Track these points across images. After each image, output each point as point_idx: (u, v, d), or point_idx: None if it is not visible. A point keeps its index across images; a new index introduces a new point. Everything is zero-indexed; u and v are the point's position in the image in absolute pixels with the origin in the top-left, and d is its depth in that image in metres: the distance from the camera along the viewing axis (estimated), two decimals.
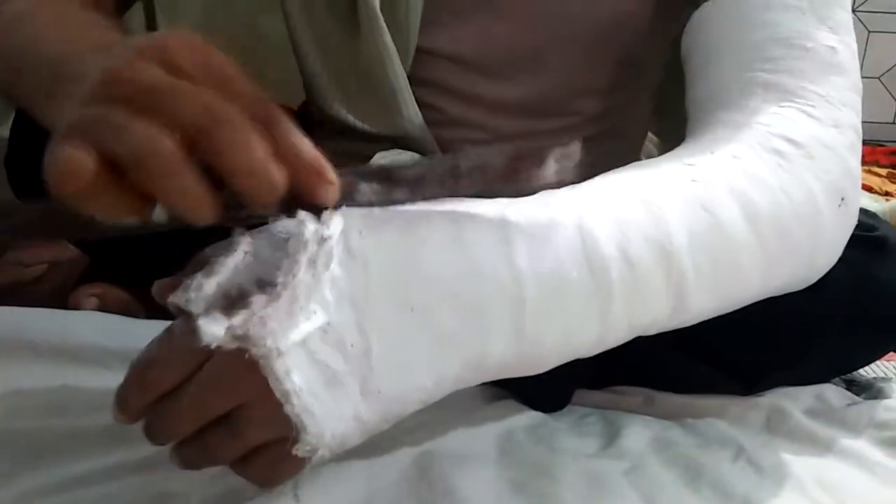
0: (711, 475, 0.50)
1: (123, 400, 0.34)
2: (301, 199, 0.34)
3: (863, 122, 0.51)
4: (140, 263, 0.60)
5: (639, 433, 0.55)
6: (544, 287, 0.38)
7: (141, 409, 0.34)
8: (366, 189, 0.36)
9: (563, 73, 0.60)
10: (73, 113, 0.32)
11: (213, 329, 0.32)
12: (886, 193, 1.48)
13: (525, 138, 0.61)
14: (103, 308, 0.67)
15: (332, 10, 0.57)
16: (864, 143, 0.53)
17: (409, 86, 0.57)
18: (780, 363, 0.60)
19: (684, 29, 0.55)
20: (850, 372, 0.67)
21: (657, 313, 0.42)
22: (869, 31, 1.86)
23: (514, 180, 0.38)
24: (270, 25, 0.57)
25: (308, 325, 0.33)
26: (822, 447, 0.55)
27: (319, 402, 0.34)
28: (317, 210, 0.35)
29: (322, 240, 0.34)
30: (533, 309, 0.38)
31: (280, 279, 0.33)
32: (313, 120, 0.66)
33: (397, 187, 0.37)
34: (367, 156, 0.59)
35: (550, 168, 0.37)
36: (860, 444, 0.55)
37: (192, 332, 0.33)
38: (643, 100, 0.67)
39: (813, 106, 0.48)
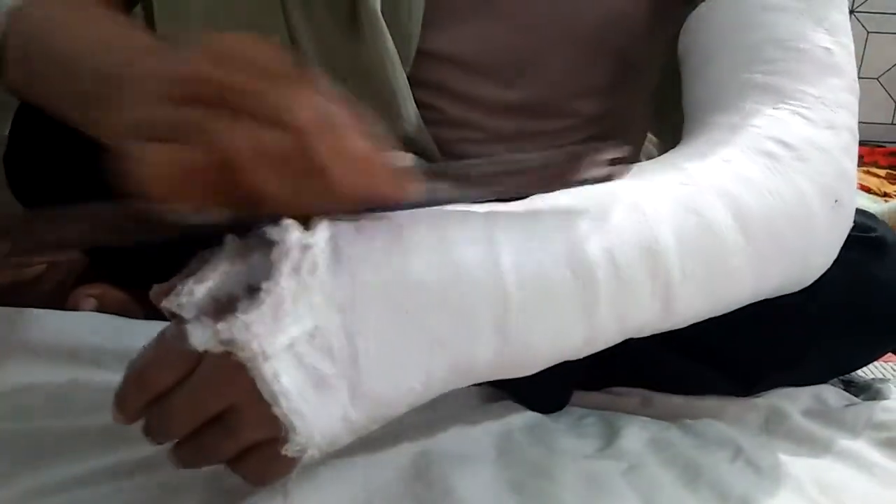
0: (710, 476, 0.50)
1: (122, 401, 0.35)
2: (376, 199, 0.35)
3: (861, 123, 0.51)
4: (138, 264, 0.60)
5: (637, 434, 0.55)
6: (530, 290, 0.38)
7: (139, 409, 0.35)
8: (439, 187, 0.38)
9: (561, 75, 0.60)
10: (145, 113, 0.32)
11: (201, 333, 0.33)
12: (885, 194, 1.49)
13: (523, 138, 0.61)
14: (102, 308, 0.67)
15: (332, 11, 0.57)
16: (863, 143, 0.53)
17: (409, 88, 0.57)
18: (779, 364, 0.60)
19: (681, 30, 0.55)
20: (848, 373, 0.67)
21: (646, 316, 0.42)
22: (868, 32, 1.87)
23: (567, 177, 0.40)
24: (271, 26, 0.57)
25: (295, 329, 0.34)
26: (821, 448, 0.55)
27: (308, 404, 0.35)
28: (390, 209, 0.37)
29: (305, 247, 0.34)
30: (519, 312, 0.38)
31: (264, 285, 0.34)
32: None
33: (467, 184, 0.38)
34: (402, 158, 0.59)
35: (602, 166, 0.39)
36: (858, 445, 0.55)
37: (183, 335, 0.34)
38: (642, 101, 0.68)
39: (807, 108, 0.48)
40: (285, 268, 0.34)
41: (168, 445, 0.37)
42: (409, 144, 0.60)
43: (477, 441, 0.51)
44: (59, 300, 0.73)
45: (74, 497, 0.42)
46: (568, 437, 0.55)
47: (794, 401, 0.60)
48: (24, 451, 0.45)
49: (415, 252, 0.37)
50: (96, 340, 0.56)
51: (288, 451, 0.35)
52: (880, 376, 0.70)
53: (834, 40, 0.50)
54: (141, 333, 0.55)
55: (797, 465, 0.52)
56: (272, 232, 0.34)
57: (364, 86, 0.58)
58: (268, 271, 0.34)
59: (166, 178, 0.31)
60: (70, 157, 0.58)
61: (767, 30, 0.50)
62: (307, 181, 0.32)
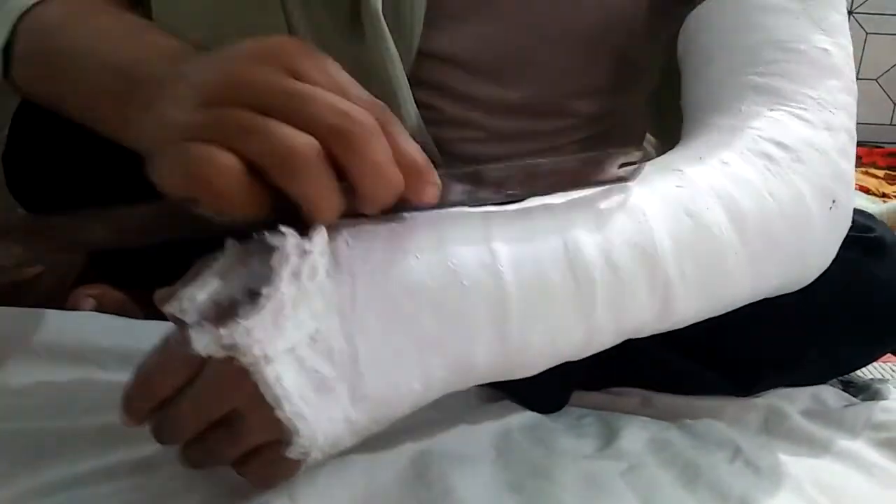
0: (709, 476, 0.50)
1: (129, 405, 0.36)
2: (411, 201, 0.36)
3: (860, 123, 0.51)
4: (138, 265, 0.60)
5: (636, 434, 0.55)
6: (528, 293, 0.38)
7: (145, 412, 0.36)
8: (456, 189, 0.38)
9: (561, 74, 0.60)
10: (188, 115, 0.33)
11: (203, 338, 0.34)
12: (884, 195, 1.49)
13: (523, 138, 0.61)
14: (101, 309, 0.67)
15: (332, 12, 0.57)
16: (861, 144, 0.53)
17: (409, 88, 0.57)
18: (778, 364, 0.61)
19: (680, 30, 0.55)
20: (847, 373, 0.67)
21: (644, 316, 0.42)
22: (867, 33, 1.87)
23: (584, 181, 0.41)
24: (271, 26, 0.57)
25: (296, 333, 0.34)
26: (820, 448, 0.55)
27: (310, 407, 0.35)
28: (415, 209, 0.37)
29: (304, 252, 0.35)
30: (517, 315, 0.38)
31: (264, 290, 0.34)
32: None
33: (482, 187, 0.39)
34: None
35: (615, 170, 0.41)
36: (857, 446, 0.55)
37: (186, 340, 0.34)
38: (641, 101, 0.68)
39: (805, 109, 0.48)
40: (285, 273, 0.34)
41: (172, 446, 0.37)
42: None
43: (476, 441, 0.51)
44: (59, 300, 0.73)
45: (74, 497, 0.42)
46: (567, 437, 0.55)
47: (793, 401, 0.60)
48: (24, 451, 0.45)
49: (413, 255, 0.37)
50: (96, 340, 0.56)
51: (291, 453, 0.35)
52: (879, 377, 0.70)
53: (832, 41, 0.50)
54: (140, 333, 0.55)
55: (796, 465, 0.52)
56: (272, 237, 0.34)
57: (364, 86, 0.58)
58: (268, 276, 0.34)
59: (209, 179, 0.31)
60: (69, 156, 0.58)
61: (766, 31, 0.50)
62: (342, 184, 0.33)
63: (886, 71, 1.92)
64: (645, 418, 0.58)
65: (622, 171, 0.41)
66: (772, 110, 0.48)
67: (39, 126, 0.59)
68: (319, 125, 0.32)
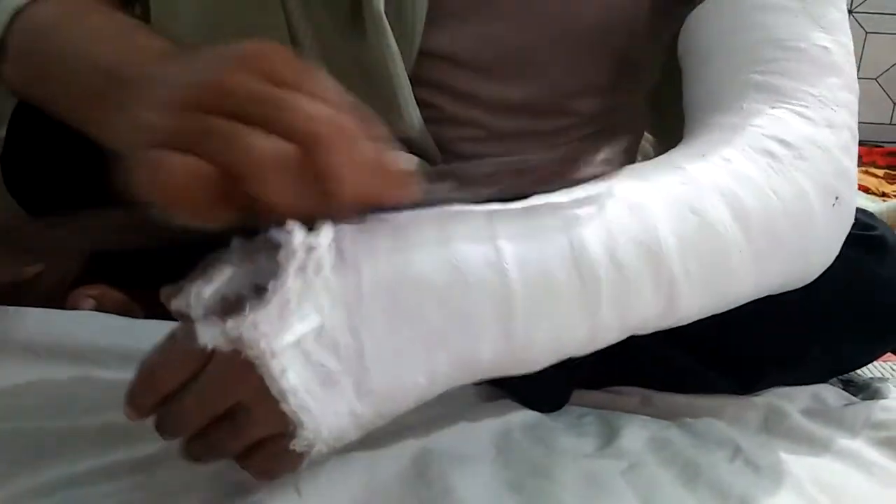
0: (709, 475, 0.50)
1: (133, 399, 0.36)
2: (377, 203, 0.35)
3: (860, 123, 0.51)
4: (138, 265, 0.60)
5: (636, 433, 0.55)
6: (532, 289, 0.39)
7: (150, 406, 0.36)
8: (443, 188, 0.39)
9: (560, 74, 0.60)
10: (160, 119, 0.32)
11: (209, 332, 0.34)
12: (883, 194, 1.49)
13: (523, 137, 0.61)
14: (101, 309, 0.67)
15: (333, 11, 0.57)
16: (862, 144, 0.53)
17: (410, 87, 0.57)
18: (779, 362, 0.61)
19: (681, 30, 0.55)
20: (848, 372, 0.67)
21: (647, 314, 0.42)
22: (866, 32, 1.87)
23: (569, 178, 0.41)
24: (271, 25, 0.57)
25: (301, 327, 0.35)
26: (820, 447, 0.55)
27: (315, 400, 0.35)
28: (392, 210, 0.37)
29: (310, 248, 0.35)
30: (521, 311, 0.39)
31: (271, 285, 0.34)
32: None
33: (470, 185, 0.39)
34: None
35: (595, 167, 0.41)
36: (857, 445, 0.55)
37: (191, 334, 0.34)
38: (640, 100, 0.68)
39: (806, 107, 0.48)
40: (291, 268, 0.34)
41: (172, 444, 0.37)
42: (409, 143, 0.60)
43: (476, 440, 0.51)
44: (58, 300, 0.73)
45: (73, 496, 0.42)
46: (567, 436, 0.55)
47: (792, 400, 0.60)
48: (24, 451, 0.45)
49: (418, 250, 0.37)
50: (95, 340, 0.56)
51: (296, 446, 0.36)
52: (879, 375, 0.70)
53: (832, 39, 0.50)
54: (140, 333, 0.55)
55: (796, 464, 0.52)
56: (278, 234, 0.35)
57: (365, 85, 0.58)
58: (274, 272, 0.34)
59: (175, 187, 0.31)
60: (67, 158, 0.58)
61: (765, 30, 0.50)
62: (316, 190, 0.32)
63: (886, 70, 1.92)
64: (645, 417, 0.58)
65: (599, 169, 0.41)
66: (773, 108, 0.48)
67: (37, 126, 0.59)
68: (292, 131, 0.32)
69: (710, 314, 0.45)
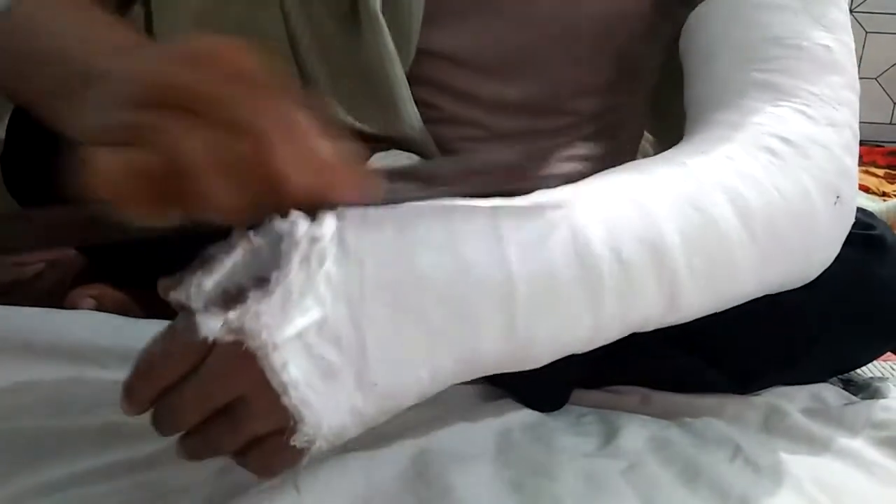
0: (709, 474, 0.50)
1: (130, 392, 0.35)
2: (329, 201, 0.35)
3: (860, 122, 0.51)
4: (137, 264, 0.60)
5: (636, 432, 0.55)
6: (536, 285, 0.38)
7: (147, 401, 0.35)
8: (404, 188, 0.38)
9: (560, 73, 0.60)
10: (109, 115, 0.32)
11: (211, 323, 0.34)
12: (884, 194, 1.49)
13: (523, 136, 0.61)
14: (100, 308, 0.67)
15: (330, 9, 0.57)
16: (862, 143, 0.53)
17: (408, 86, 0.57)
18: (778, 362, 0.60)
19: (681, 29, 0.55)
20: (848, 371, 0.67)
21: (650, 311, 0.42)
22: (866, 32, 1.87)
23: (525, 179, 0.40)
24: (269, 24, 0.57)
25: (303, 319, 0.34)
26: (820, 447, 0.55)
27: (316, 394, 0.35)
28: (340, 208, 0.36)
29: (314, 239, 0.35)
30: (524, 307, 0.38)
31: (274, 276, 0.34)
32: None
33: (433, 184, 0.38)
34: (366, 157, 0.59)
35: (558, 168, 0.39)
36: (857, 444, 0.55)
37: (192, 326, 0.34)
38: (640, 99, 0.68)
39: (808, 105, 0.48)
40: (295, 258, 0.34)
41: (172, 444, 0.37)
42: (409, 142, 0.60)
43: (476, 439, 0.51)
44: (58, 299, 0.73)
45: (72, 496, 0.42)
46: (567, 435, 0.55)
47: (792, 399, 0.60)
48: (23, 450, 0.45)
49: (421, 245, 0.37)
50: (95, 340, 0.56)
51: (296, 441, 0.35)
52: (879, 375, 0.70)
53: (834, 38, 0.50)
54: (140, 333, 0.55)
55: (796, 463, 0.52)
56: (281, 224, 0.35)
57: (363, 83, 0.58)
58: (276, 263, 0.34)
59: (117, 182, 0.30)
60: (67, 155, 0.58)
61: (766, 28, 0.50)
62: (259, 188, 0.32)
63: (886, 70, 1.92)
64: (645, 417, 0.58)
65: (565, 169, 0.40)
66: (775, 106, 0.48)
67: (36, 126, 0.59)
68: (235, 127, 0.31)
69: (711, 312, 0.45)
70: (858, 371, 0.69)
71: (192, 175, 0.31)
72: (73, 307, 0.70)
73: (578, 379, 0.60)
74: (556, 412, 0.58)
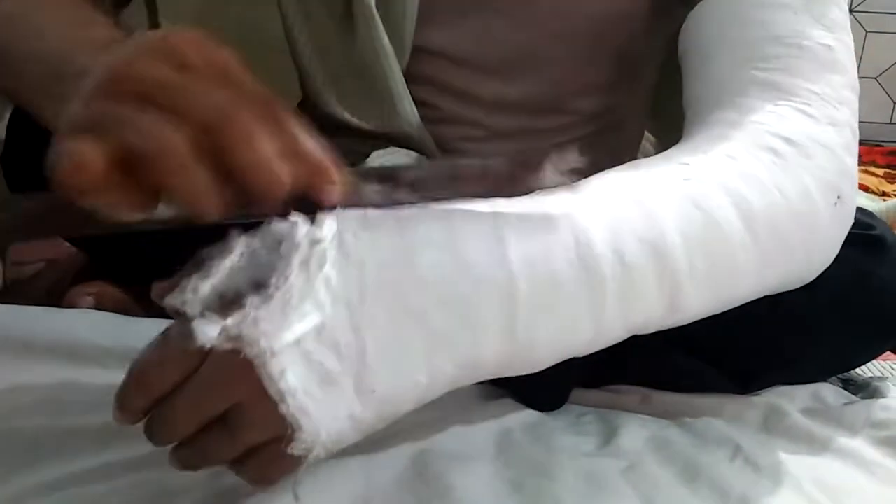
0: (709, 474, 0.50)
1: (123, 401, 0.35)
2: (305, 198, 0.34)
3: (860, 122, 0.51)
4: (137, 262, 0.60)
5: (636, 432, 0.55)
6: (537, 287, 0.38)
7: (140, 410, 0.35)
8: (369, 189, 0.37)
9: (559, 71, 0.60)
10: (78, 108, 0.32)
11: (208, 330, 0.33)
12: (883, 193, 1.49)
13: (523, 136, 0.61)
14: (100, 307, 0.67)
15: (327, 7, 0.57)
16: (862, 143, 0.53)
17: (405, 83, 0.57)
18: (778, 362, 0.60)
19: (681, 28, 0.55)
20: (847, 371, 0.67)
21: (651, 312, 0.42)
22: (866, 32, 1.87)
23: (514, 185, 0.39)
24: (267, 22, 0.57)
25: (302, 325, 0.34)
26: (819, 446, 0.55)
27: (314, 402, 0.34)
28: (320, 210, 0.35)
29: (314, 242, 0.34)
30: (526, 309, 0.38)
31: (273, 281, 0.33)
32: (309, 118, 0.65)
33: (399, 188, 0.37)
34: (364, 154, 0.59)
35: (549, 173, 0.38)
36: (857, 444, 0.55)
37: (188, 333, 0.33)
38: (640, 98, 0.68)
39: (808, 104, 0.48)
40: (295, 262, 0.33)
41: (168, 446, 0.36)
42: (408, 141, 0.59)
43: (476, 439, 0.51)
44: (57, 299, 0.73)
45: (71, 496, 0.42)
46: (567, 435, 0.55)
47: (792, 399, 0.60)
48: (22, 450, 0.45)
49: (422, 248, 0.37)
50: (94, 338, 0.56)
51: (294, 449, 0.35)
52: (878, 375, 0.70)
53: (834, 37, 0.50)
54: (140, 332, 0.55)
55: (796, 463, 0.52)
56: (280, 227, 0.34)
57: (360, 82, 0.58)
58: (275, 267, 0.33)
59: (82, 172, 0.30)
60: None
61: (766, 27, 0.50)
62: (239, 182, 0.31)
63: (886, 69, 1.92)
64: (645, 416, 0.58)
65: (560, 176, 0.39)
66: (776, 105, 0.48)
67: (37, 124, 0.59)
68: (192, 118, 0.31)
69: (711, 314, 0.45)
70: (858, 371, 0.69)
71: (165, 164, 0.30)
72: (73, 305, 0.70)
73: (578, 378, 0.60)
74: (555, 412, 0.58)
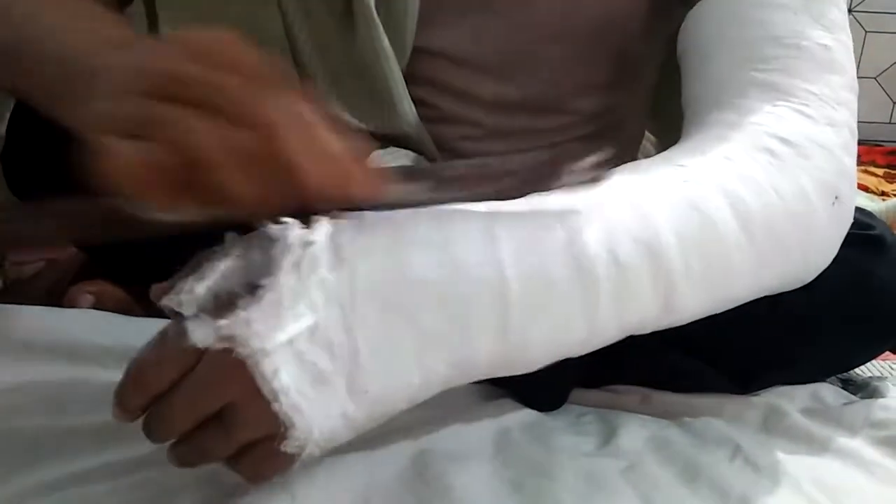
0: (708, 474, 0.50)
1: (121, 399, 0.35)
2: (345, 193, 0.35)
3: (859, 122, 0.51)
4: (137, 262, 0.60)
5: (636, 432, 0.55)
6: (530, 288, 0.38)
7: (139, 408, 0.35)
8: (417, 189, 0.38)
9: (559, 71, 0.60)
10: (108, 107, 0.32)
11: (202, 330, 0.34)
12: (883, 193, 1.49)
13: (522, 135, 0.61)
14: (99, 306, 0.67)
15: (327, 7, 0.57)
16: (861, 143, 0.53)
17: (405, 84, 0.57)
18: (777, 362, 0.60)
19: (680, 28, 0.55)
20: (847, 371, 0.67)
21: (646, 312, 0.42)
22: (866, 31, 1.87)
23: (551, 183, 0.40)
24: (267, 21, 0.57)
25: (295, 325, 0.34)
26: (819, 446, 0.55)
27: (307, 401, 0.35)
28: (348, 209, 0.36)
29: (306, 244, 0.35)
30: (519, 310, 0.38)
31: (265, 282, 0.34)
32: None
33: (446, 187, 0.38)
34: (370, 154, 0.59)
35: (583, 172, 0.39)
36: (856, 444, 0.55)
37: (183, 333, 0.34)
38: (640, 98, 0.68)
39: (807, 105, 0.48)
40: (286, 264, 0.34)
41: (165, 445, 0.37)
42: (407, 141, 0.59)
43: (475, 439, 0.51)
44: (57, 298, 0.73)
45: (71, 495, 0.42)
46: (566, 435, 0.55)
47: (792, 399, 0.60)
48: (22, 450, 0.45)
49: (415, 249, 0.37)
50: (94, 338, 0.56)
51: (287, 447, 0.35)
52: (878, 374, 0.70)
53: (833, 37, 0.50)
54: (139, 331, 0.54)
55: (795, 463, 0.52)
56: (273, 229, 0.34)
57: (360, 82, 0.58)
58: (268, 269, 0.34)
59: (133, 175, 0.30)
60: (67, 154, 0.58)
61: (765, 27, 0.50)
62: (275, 180, 0.32)
63: (886, 69, 1.92)
64: (644, 416, 0.58)
65: (584, 175, 0.39)
66: (774, 106, 0.48)
67: (37, 122, 0.59)
68: (247, 120, 0.31)
69: (708, 314, 0.45)
70: (857, 370, 0.69)
71: (207, 166, 0.31)
72: (73, 304, 0.70)
73: (578, 378, 0.60)
74: (555, 412, 0.58)
